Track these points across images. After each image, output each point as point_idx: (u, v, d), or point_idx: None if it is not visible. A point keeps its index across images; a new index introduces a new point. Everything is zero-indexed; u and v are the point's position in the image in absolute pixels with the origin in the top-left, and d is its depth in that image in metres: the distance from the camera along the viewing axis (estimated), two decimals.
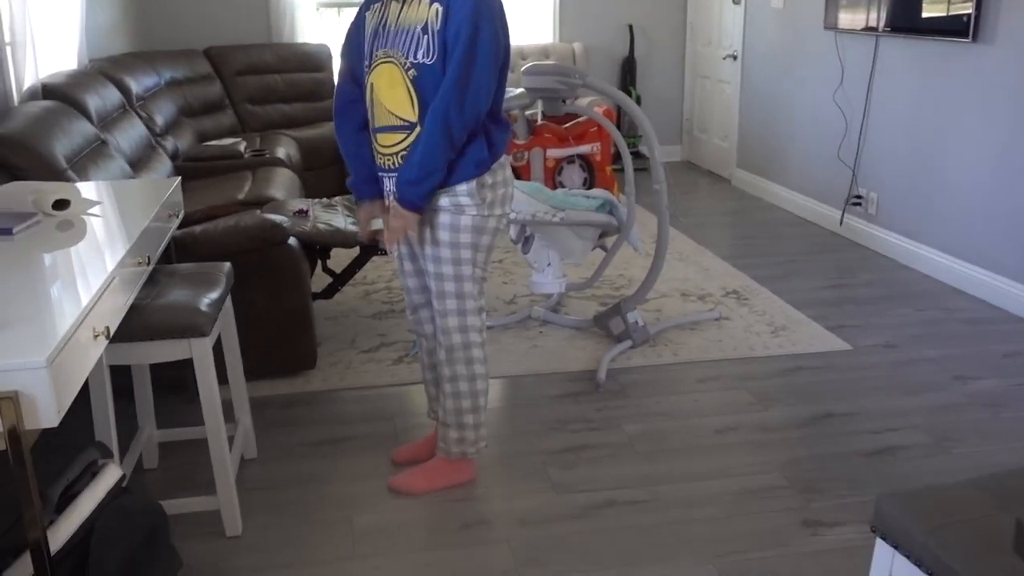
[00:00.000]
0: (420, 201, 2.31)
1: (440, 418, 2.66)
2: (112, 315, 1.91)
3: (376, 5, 2.37)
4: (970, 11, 4.00)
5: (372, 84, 2.35)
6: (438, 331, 2.52)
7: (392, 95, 2.30)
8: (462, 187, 2.35)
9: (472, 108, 2.23)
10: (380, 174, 2.44)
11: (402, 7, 2.29)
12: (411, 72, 2.26)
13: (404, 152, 2.33)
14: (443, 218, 2.38)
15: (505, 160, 2.46)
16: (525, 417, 3.11)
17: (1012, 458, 2.80)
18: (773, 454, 2.84)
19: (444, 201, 2.37)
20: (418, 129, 2.29)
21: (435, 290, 2.48)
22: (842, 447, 2.88)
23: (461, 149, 2.30)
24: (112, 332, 1.87)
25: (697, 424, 3.05)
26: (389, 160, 2.37)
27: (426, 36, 2.22)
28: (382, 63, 2.30)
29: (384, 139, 2.36)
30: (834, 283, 4.45)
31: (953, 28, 4.14)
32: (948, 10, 4.09)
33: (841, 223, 5.22)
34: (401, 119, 2.31)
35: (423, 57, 2.24)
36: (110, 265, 1.98)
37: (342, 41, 2.50)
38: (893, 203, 4.79)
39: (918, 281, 4.44)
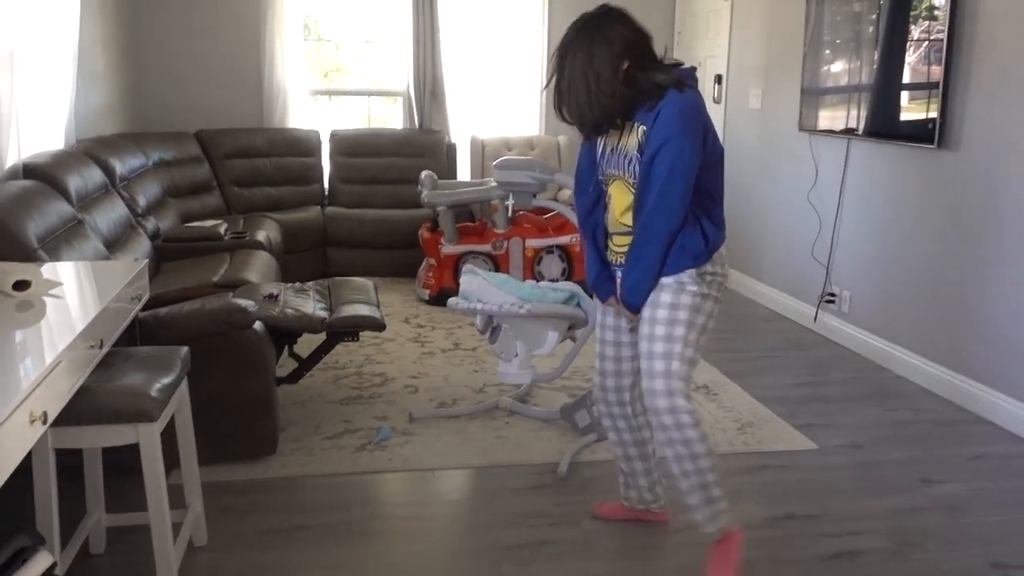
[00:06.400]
0: (639, 303, 2.60)
1: (685, 499, 2.68)
2: (54, 400, 1.91)
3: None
4: (935, 116, 4.12)
5: (610, 195, 2.67)
6: (644, 396, 2.60)
7: (621, 205, 2.62)
8: (682, 273, 2.57)
9: (671, 216, 2.49)
10: (613, 268, 2.74)
11: (623, 134, 2.58)
12: (635, 186, 2.55)
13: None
14: (664, 296, 2.57)
15: (723, 253, 2.64)
16: (484, 510, 3.08)
17: (967, 565, 2.77)
18: None
19: (668, 280, 2.57)
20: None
21: (644, 351, 2.59)
22: (800, 551, 2.85)
23: (679, 240, 2.54)
24: (52, 417, 1.87)
25: (656, 522, 3.01)
26: (620, 258, 2.69)
27: (639, 156, 2.52)
28: (616, 179, 2.62)
29: (618, 240, 2.68)
30: (805, 380, 4.46)
31: (918, 133, 4.25)
32: (927, 113, 4.19)
33: (815, 320, 5.26)
34: (628, 226, 2.61)
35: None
36: (59, 348, 1.98)
37: (576, 173, 2.80)
38: (865, 302, 4.84)
39: (889, 381, 4.45)
